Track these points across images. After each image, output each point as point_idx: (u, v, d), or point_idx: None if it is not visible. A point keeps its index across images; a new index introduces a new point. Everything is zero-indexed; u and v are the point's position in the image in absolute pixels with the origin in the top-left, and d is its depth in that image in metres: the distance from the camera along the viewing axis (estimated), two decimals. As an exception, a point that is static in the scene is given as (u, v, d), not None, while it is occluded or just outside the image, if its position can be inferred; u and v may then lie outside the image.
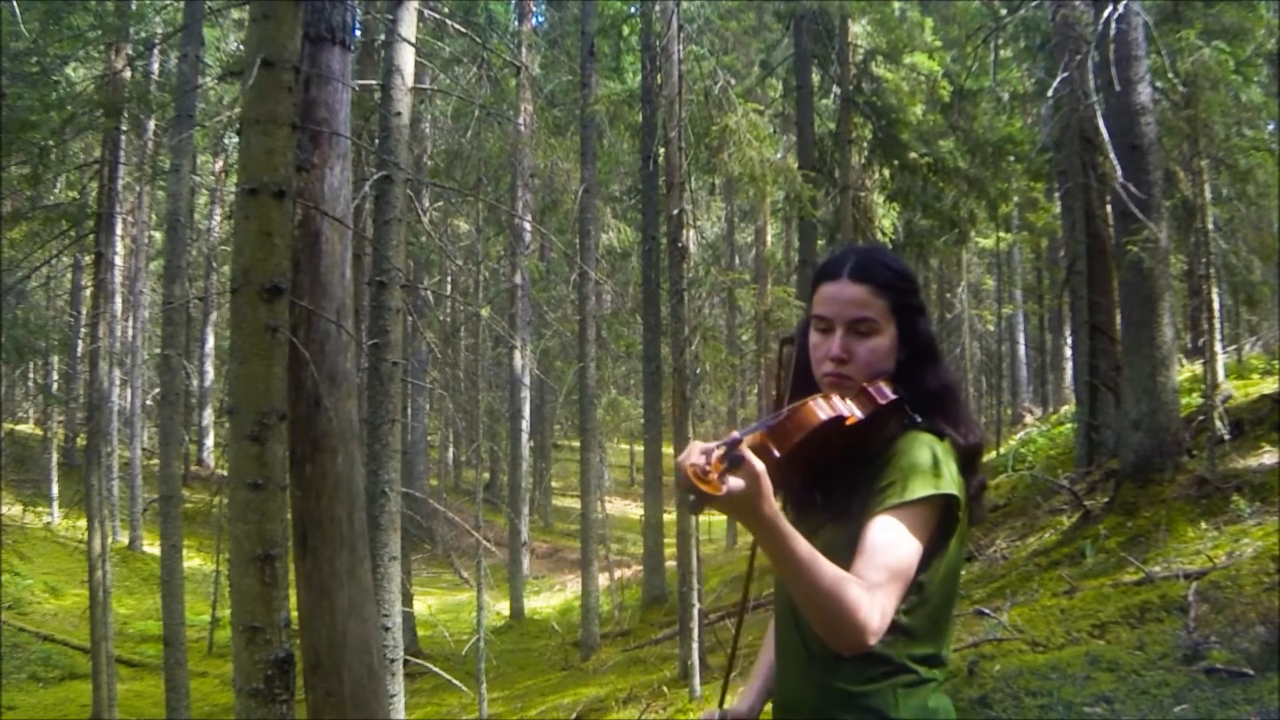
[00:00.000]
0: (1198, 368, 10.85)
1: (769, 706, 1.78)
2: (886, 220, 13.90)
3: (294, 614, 3.90)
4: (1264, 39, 10.44)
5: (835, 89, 13.92)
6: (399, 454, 6.89)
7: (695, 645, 8.57)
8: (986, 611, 6.79)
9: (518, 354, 15.68)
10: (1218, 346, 10.20)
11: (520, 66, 13.24)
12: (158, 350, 14.69)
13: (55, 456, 18.85)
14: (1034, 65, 14.72)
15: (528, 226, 15.19)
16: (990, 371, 25.72)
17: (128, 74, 10.21)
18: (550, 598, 17.69)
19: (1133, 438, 8.09)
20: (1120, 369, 8.85)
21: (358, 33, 8.45)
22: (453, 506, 19.92)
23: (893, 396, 1.57)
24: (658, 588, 13.81)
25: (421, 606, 14.74)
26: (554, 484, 26.72)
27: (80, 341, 15.72)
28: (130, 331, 19.78)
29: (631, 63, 17.96)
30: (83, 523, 11.21)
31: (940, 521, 1.51)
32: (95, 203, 10.33)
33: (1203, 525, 7.09)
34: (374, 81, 7.44)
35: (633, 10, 16.34)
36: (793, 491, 1.64)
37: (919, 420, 1.58)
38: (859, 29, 13.47)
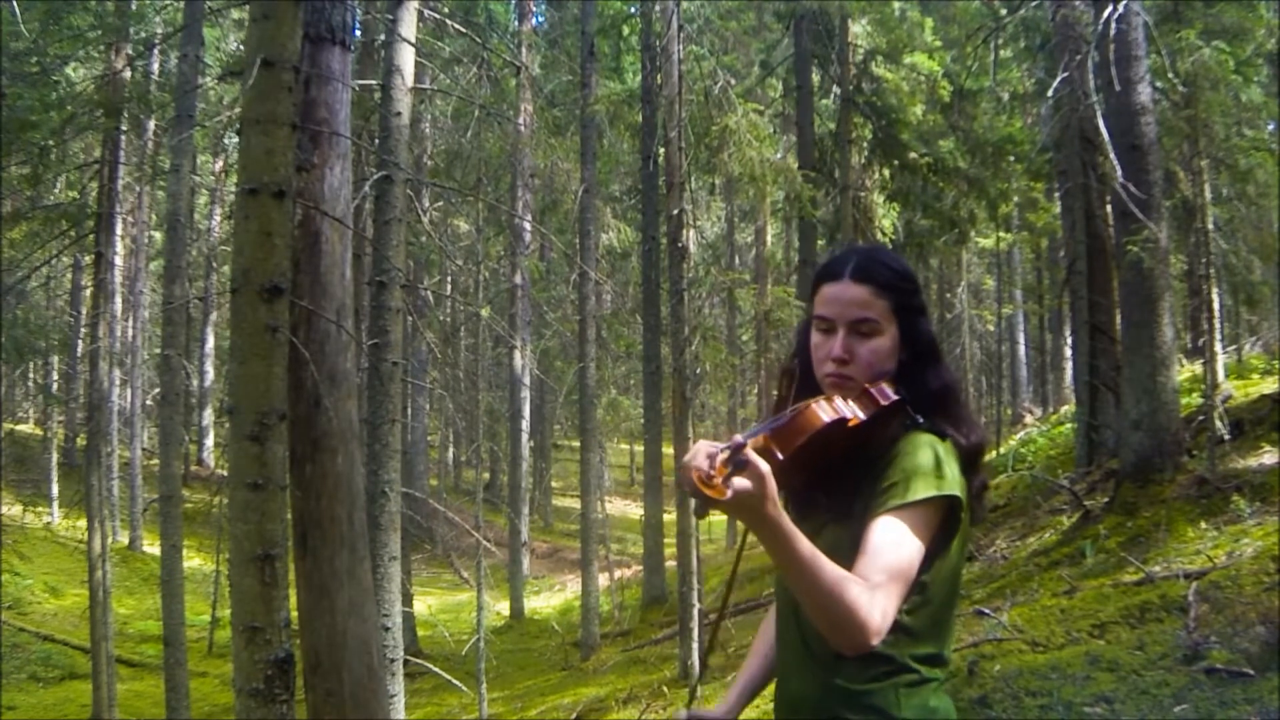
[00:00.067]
0: (1198, 368, 10.85)
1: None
2: (886, 220, 13.89)
3: (294, 614, 3.90)
4: (1264, 39, 10.44)
5: (835, 89, 13.92)
6: (399, 454, 6.89)
7: (695, 645, 8.57)
8: (986, 611, 6.79)
9: (518, 354, 15.68)
10: (1218, 346, 10.20)
11: (520, 66, 13.24)
12: (158, 350, 14.69)
13: (55, 456, 18.85)
14: (1034, 65, 14.72)
15: (528, 226, 15.20)
16: (990, 371, 25.72)
17: (128, 74, 10.21)
18: (550, 598, 17.70)
19: (1133, 438, 8.08)
20: (1120, 369, 8.85)
21: (358, 33, 8.45)
22: (453, 506, 19.92)
23: (895, 397, 1.58)
24: (658, 588, 13.81)
25: (421, 606, 14.74)
26: (554, 484, 26.72)
27: (80, 341, 15.72)
28: (130, 331, 19.78)
29: (631, 63, 17.96)
30: (83, 523, 11.21)
31: (942, 522, 1.52)
32: (95, 203, 10.33)
33: (1203, 525, 7.08)
34: (374, 81, 7.44)
35: (633, 10, 16.34)
36: (795, 492, 1.64)
37: (921, 421, 1.59)
38: (859, 29, 13.47)
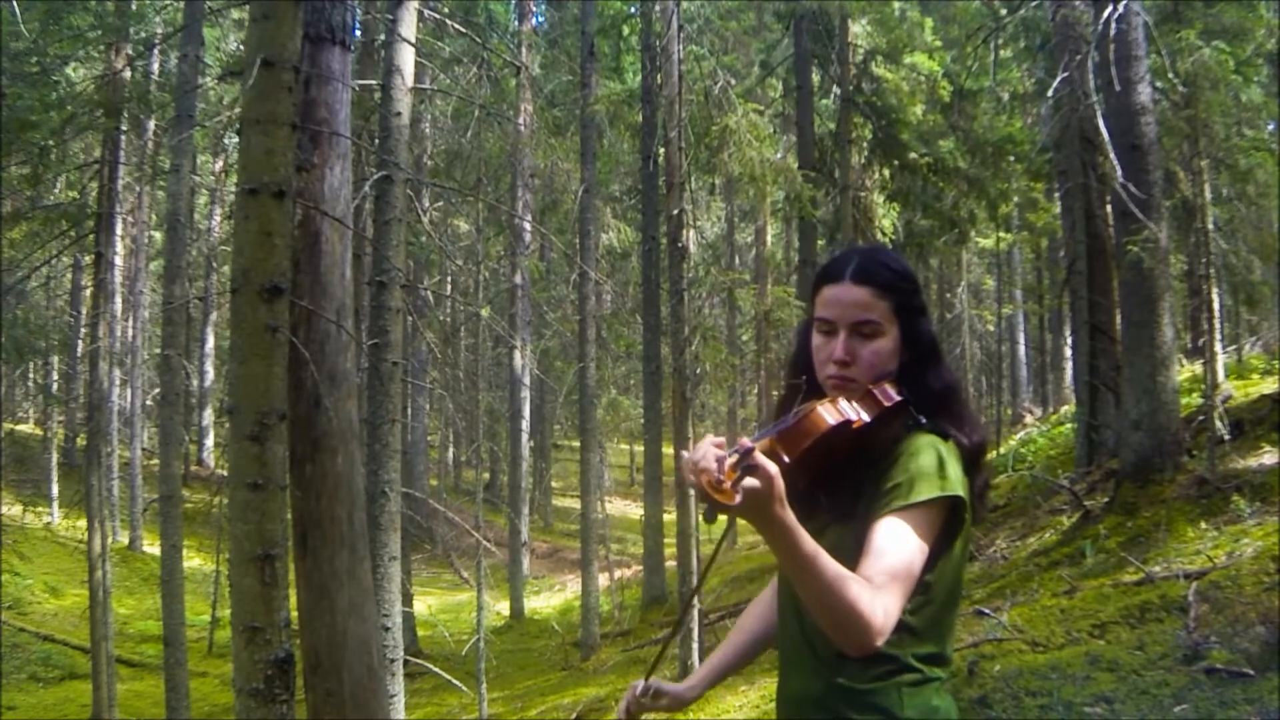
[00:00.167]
0: (1198, 368, 10.85)
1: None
2: (886, 220, 13.89)
3: (294, 614, 3.90)
4: (1264, 39, 10.44)
5: (835, 89, 13.92)
6: (399, 454, 6.89)
7: (695, 645, 8.57)
8: (986, 611, 6.79)
9: (518, 354, 15.68)
10: (1218, 346, 10.20)
11: (520, 66, 13.24)
12: (158, 350, 14.68)
13: (55, 456, 18.85)
14: (1034, 65, 14.72)
15: (528, 226, 15.19)
16: (990, 371, 25.72)
17: (128, 74, 10.21)
18: (550, 598, 17.69)
19: (1133, 438, 8.08)
20: (1120, 369, 8.85)
21: (358, 33, 8.45)
22: (453, 506, 19.92)
23: (897, 398, 1.58)
24: (658, 588, 13.80)
25: (421, 606, 14.74)
26: (554, 484, 26.71)
27: (80, 341, 15.73)
28: (130, 331, 19.78)
29: (631, 63, 17.95)
30: (83, 523, 11.21)
31: (946, 522, 1.53)
32: (95, 203, 10.33)
33: (1203, 525, 7.08)
34: (374, 81, 7.44)
35: (633, 10, 16.33)
36: (797, 493, 1.65)
37: (923, 421, 1.59)
38: (859, 29, 13.47)
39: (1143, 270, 7.96)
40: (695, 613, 8.73)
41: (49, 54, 10.09)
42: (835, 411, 1.51)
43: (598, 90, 13.68)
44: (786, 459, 1.43)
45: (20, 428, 23.15)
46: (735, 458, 1.31)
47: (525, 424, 16.61)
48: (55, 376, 22.79)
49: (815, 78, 14.25)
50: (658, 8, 10.84)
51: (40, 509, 17.16)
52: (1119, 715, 4.81)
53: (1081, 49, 8.57)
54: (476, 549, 10.68)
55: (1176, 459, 7.96)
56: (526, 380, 16.56)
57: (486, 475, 24.17)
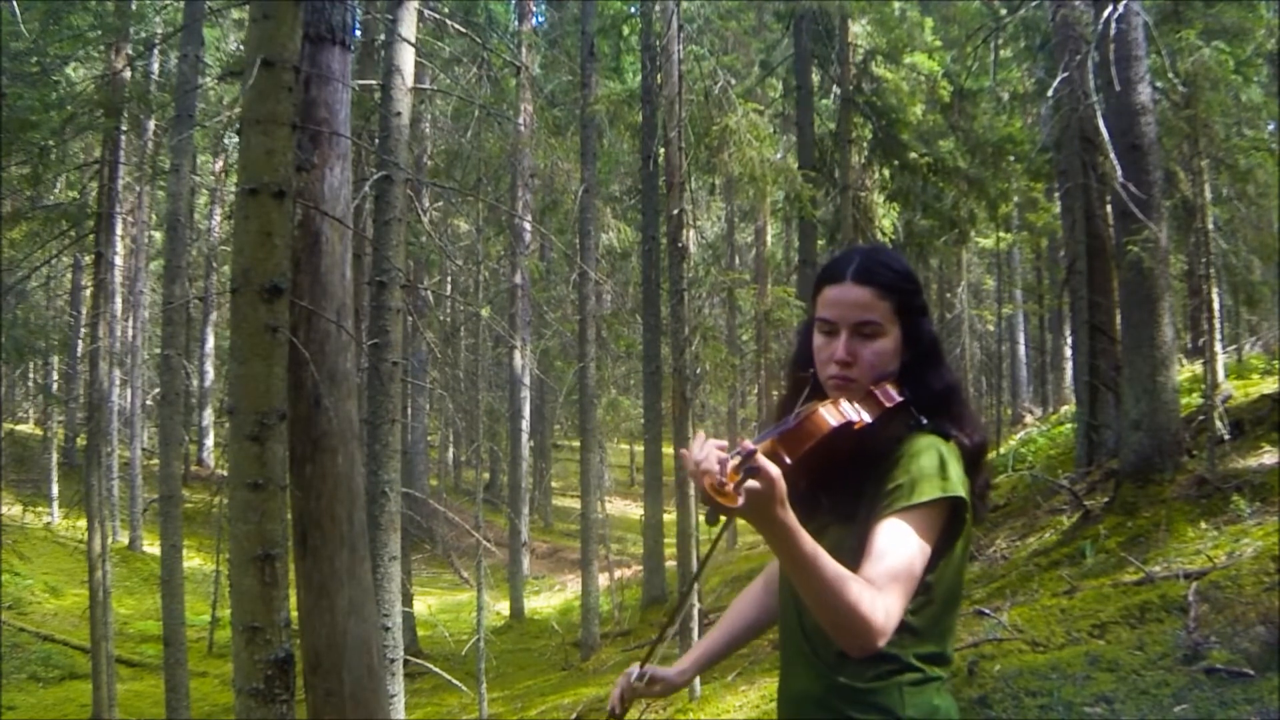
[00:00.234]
0: (1198, 368, 10.84)
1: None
2: (886, 220, 13.88)
3: (294, 614, 3.89)
4: (1264, 39, 10.44)
5: (835, 89, 13.91)
6: (399, 454, 6.89)
7: (696, 641, 8.55)
8: (986, 611, 6.79)
9: (518, 354, 15.68)
10: (1218, 346, 10.19)
11: (520, 66, 13.24)
12: (158, 350, 14.69)
13: (55, 456, 18.85)
14: (1034, 65, 14.73)
15: (528, 226, 15.19)
16: (990, 371, 25.71)
17: (128, 74, 10.21)
18: (550, 598, 17.70)
19: (1133, 438, 8.08)
20: (1120, 369, 8.85)
21: (358, 33, 8.44)
22: (453, 506, 19.92)
23: (899, 399, 1.58)
24: (658, 588, 13.80)
25: (421, 606, 14.74)
26: (554, 484, 26.71)
27: (80, 341, 15.73)
28: (130, 331, 19.78)
29: (631, 63, 17.95)
30: (83, 523, 11.20)
31: (947, 523, 1.53)
32: (95, 203, 10.33)
33: (1203, 525, 7.08)
34: (374, 81, 7.44)
35: (633, 10, 16.33)
36: (799, 493, 1.65)
37: (924, 422, 1.59)
38: (859, 29, 13.46)
39: (1143, 270, 7.95)
40: (695, 611, 8.73)
41: (49, 54, 10.09)
42: (837, 413, 1.51)
43: (598, 90, 13.67)
44: (788, 460, 1.44)
45: (20, 428, 23.15)
46: (737, 460, 1.32)
47: (525, 424, 16.61)
48: (55, 376, 22.80)
49: (815, 78, 14.24)
50: (658, 8, 10.84)
51: (40, 509, 17.16)
52: (1119, 715, 4.81)
53: (1081, 49, 8.57)
54: (476, 549, 10.68)
55: (1176, 459, 7.96)
56: (526, 380, 16.56)
57: (486, 475, 24.17)
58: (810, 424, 1.48)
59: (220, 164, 22.26)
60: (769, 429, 1.51)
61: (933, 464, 1.52)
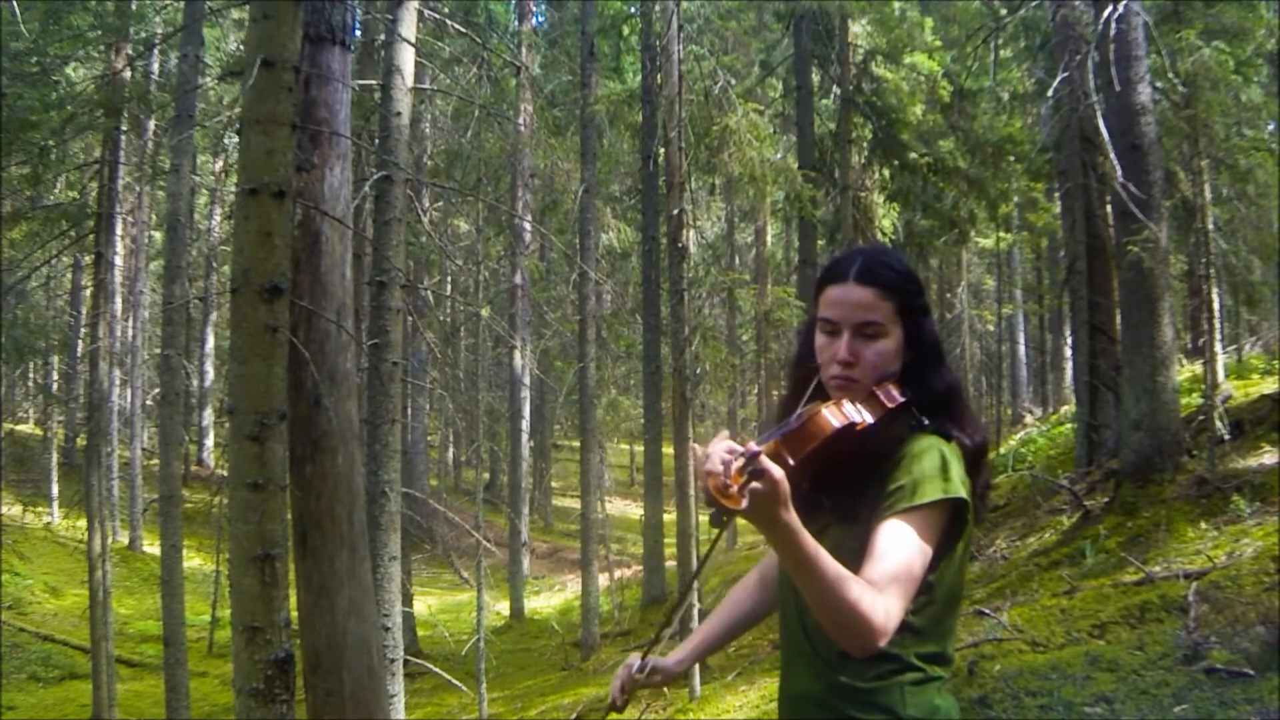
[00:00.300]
0: (1198, 368, 10.84)
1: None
2: (886, 220, 13.89)
3: (294, 614, 3.89)
4: (1264, 39, 10.44)
5: (835, 89, 13.91)
6: (399, 454, 6.89)
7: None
8: (986, 611, 6.79)
9: (518, 354, 15.68)
10: (1218, 346, 10.19)
11: (520, 66, 13.24)
12: (158, 350, 14.68)
13: (55, 456, 18.85)
14: (1034, 65, 14.72)
15: (528, 226, 15.19)
16: (990, 371, 25.71)
17: (128, 74, 10.21)
18: (550, 598, 17.70)
19: (1133, 438, 8.08)
20: (1120, 369, 8.85)
21: (358, 33, 8.44)
22: (453, 506, 19.92)
23: (900, 399, 1.59)
24: (658, 588, 13.80)
25: (421, 606, 14.74)
26: (554, 484, 26.71)
27: (80, 341, 15.72)
28: (130, 331, 19.77)
29: (631, 63, 17.95)
30: (83, 523, 11.20)
31: (949, 524, 1.53)
32: (95, 203, 10.33)
33: (1203, 525, 7.08)
34: (374, 81, 7.44)
35: (633, 10, 16.33)
36: (800, 493, 1.65)
37: (926, 422, 1.59)
38: (859, 29, 13.46)
39: (1143, 270, 7.95)
40: (695, 611, 8.73)
41: (49, 54, 10.09)
42: (839, 414, 1.51)
43: (598, 90, 13.67)
44: (791, 461, 1.44)
45: (20, 428, 23.15)
46: (741, 462, 1.32)
47: (525, 424, 16.61)
48: (55, 376, 22.79)
49: (815, 78, 14.24)
50: (658, 8, 10.84)
51: (40, 509, 17.16)
52: (1119, 715, 4.81)
53: (1081, 49, 8.57)
54: (476, 549, 10.68)
55: (1176, 459, 7.96)
56: (526, 380, 16.56)
57: (486, 475, 24.17)
58: (813, 425, 1.48)
59: (220, 164, 22.26)
60: (772, 430, 1.51)
61: (935, 465, 1.52)
